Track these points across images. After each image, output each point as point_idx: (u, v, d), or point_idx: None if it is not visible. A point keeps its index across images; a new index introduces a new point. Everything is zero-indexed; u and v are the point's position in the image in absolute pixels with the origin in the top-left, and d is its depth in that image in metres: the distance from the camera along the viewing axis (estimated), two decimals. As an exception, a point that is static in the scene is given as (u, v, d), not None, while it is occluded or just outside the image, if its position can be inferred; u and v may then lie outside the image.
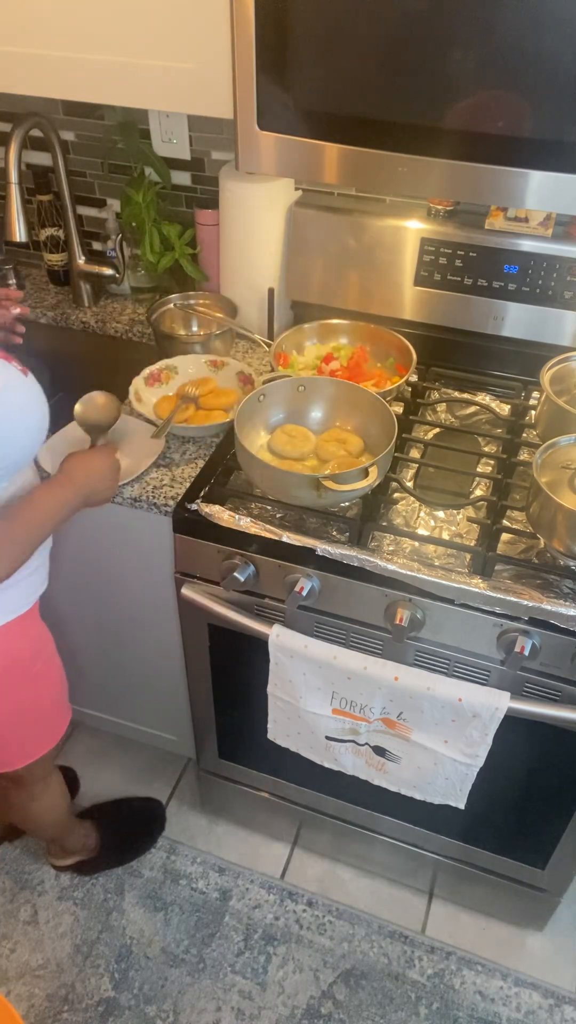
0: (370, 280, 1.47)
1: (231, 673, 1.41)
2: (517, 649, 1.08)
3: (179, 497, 1.23)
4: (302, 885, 1.73)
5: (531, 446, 1.31)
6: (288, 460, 1.23)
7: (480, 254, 1.37)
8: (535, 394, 1.43)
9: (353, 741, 1.31)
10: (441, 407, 1.43)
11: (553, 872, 1.47)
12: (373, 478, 1.10)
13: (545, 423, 1.28)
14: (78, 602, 1.51)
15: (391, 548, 1.16)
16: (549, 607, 1.06)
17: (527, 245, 1.34)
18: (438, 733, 1.21)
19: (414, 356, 1.39)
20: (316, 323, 1.48)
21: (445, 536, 1.18)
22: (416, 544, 1.16)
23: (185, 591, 1.28)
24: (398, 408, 1.39)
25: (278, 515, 1.20)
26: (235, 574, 1.18)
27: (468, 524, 1.20)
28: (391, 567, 1.11)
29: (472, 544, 1.15)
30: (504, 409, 1.42)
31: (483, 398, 1.45)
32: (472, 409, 1.42)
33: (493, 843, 1.49)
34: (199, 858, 1.76)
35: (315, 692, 1.25)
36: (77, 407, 1.26)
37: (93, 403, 1.26)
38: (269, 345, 1.46)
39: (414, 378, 1.44)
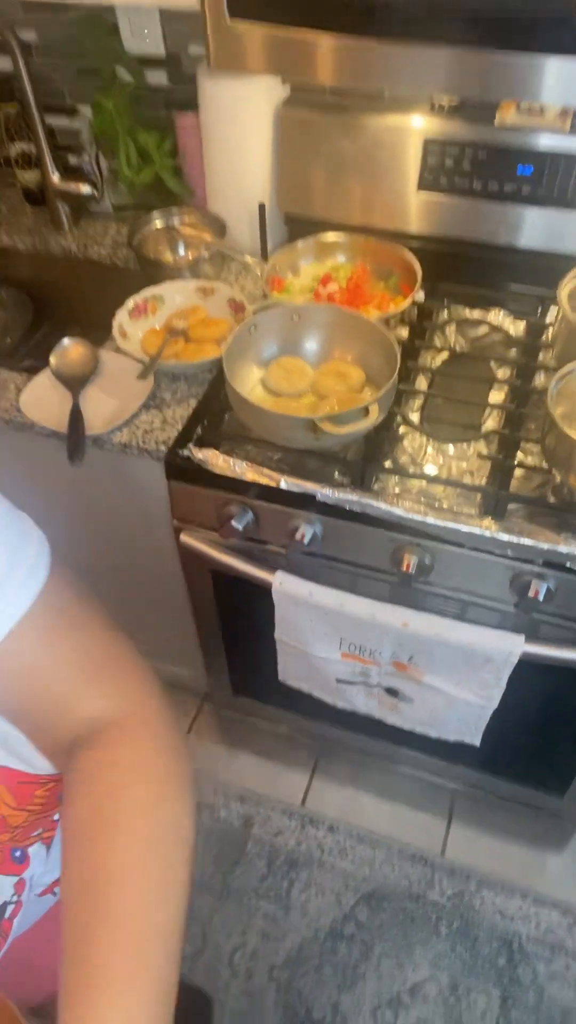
0: (370, 188, 1.33)
1: (238, 616, 1.38)
2: (531, 594, 1.02)
3: (171, 441, 1.16)
4: (322, 811, 1.75)
5: (548, 370, 1.20)
6: (284, 398, 1.15)
7: (490, 154, 1.23)
8: (553, 308, 1.31)
9: (364, 683, 1.28)
10: (450, 328, 1.32)
11: (573, 801, 1.46)
12: (374, 418, 1.01)
13: (562, 343, 1.18)
14: (78, 551, 1.47)
15: (396, 489, 1.08)
16: (564, 549, 0.99)
17: (543, 142, 1.19)
18: (450, 676, 1.17)
19: (419, 273, 1.27)
20: (311, 239, 1.35)
21: (454, 474, 1.10)
22: (424, 484, 1.08)
23: (184, 538, 1.22)
24: (403, 332, 1.29)
25: (275, 457, 1.13)
26: (233, 522, 1.12)
27: (480, 460, 1.11)
28: (396, 511, 1.04)
29: (483, 483, 1.08)
30: (519, 328, 1.31)
31: (496, 316, 1.33)
32: (483, 330, 1.31)
33: (511, 772, 1.48)
34: (220, 788, 1.79)
35: (323, 638, 1.21)
36: (52, 359, 1.18)
37: (67, 356, 1.17)
38: (263, 267, 1.34)
39: (420, 297, 1.33)
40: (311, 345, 1.20)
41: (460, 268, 1.36)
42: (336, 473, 1.10)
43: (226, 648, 1.48)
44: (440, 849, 1.69)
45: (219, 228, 1.43)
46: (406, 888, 1.63)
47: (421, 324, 1.30)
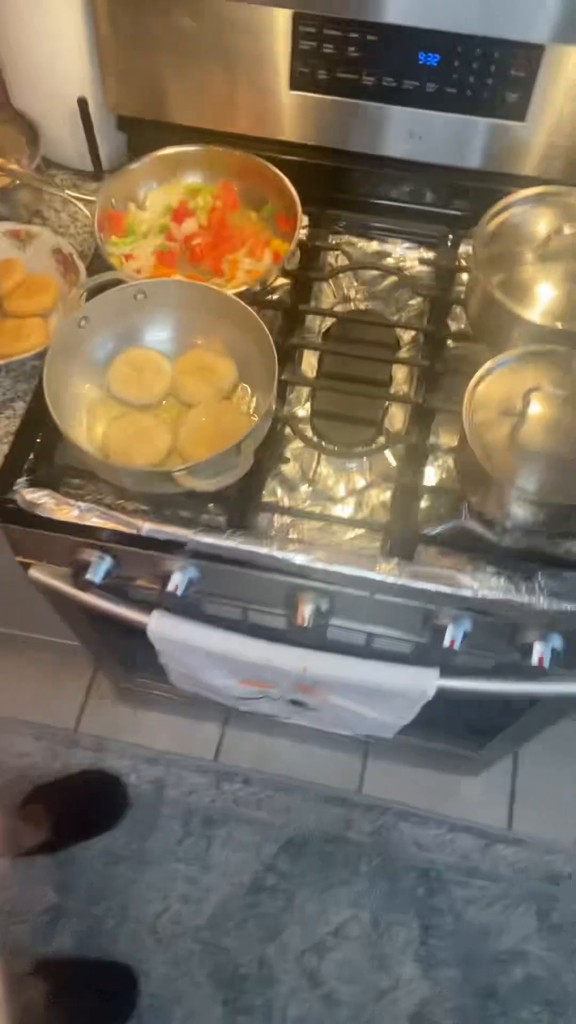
0: (225, 82, 0.99)
1: (120, 635, 1.20)
2: (447, 643, 0.88)
3: (-5, 473, 0.90)
4: (237, 763, 1.70)
5: (460, 339, 0.98)
6: (135, 412, 0.89)
7: (383, 38, 0.91)
8: (467, 245, 1.06)
9: (267, 698, 1.15)
10: (344, 278, 1.05)
11: (490, 752, 1.44)
12: (247, 463, 0.79)
13: (477, 307, 0.94)
14: None
15: (285, 524, 0.89)
16: (481, 592, 0.84)
17: (448, 24, 0.88)
18: (360, 703, 1.05)
19: (298, 204, 0.98)
20: (151, 157, 1.02)
21: (354, 501, 0.91)
22: (317, 522, 0.89)
23: (34, 574, 1.01)
24: (285, 282, 1.02)
25: (132, 494, 0.90)
26: (87, 575, 0.91)
27: (384, 481, 0.92)
28: (283, 556, 0.85)
29: (387, 516, 0.89)
30: (424, 269, 1.06)
31: (396, 250, 1.07)
32: (382, 275, 1.05)
33: (427, 735, 1.43)
34: (127, 751, 1.70)
35: (214, 671, 1.05)
36: None
37: None
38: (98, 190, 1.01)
39: (304, 233, 1.04)
40: (163, 332, 0.93)
41: (350, 187, 1.07)
42: (210, 509, 0.89)
43: (112, 651, 1.32)
44: (357, 786, 1.69)
45: (29, 134, 1.07)
46: (325, 831, 1.63)
47: (307, 276, 1.02)
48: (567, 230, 0.87)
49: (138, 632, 0.99)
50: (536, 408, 0.79)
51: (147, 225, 1.03)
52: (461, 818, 1.64)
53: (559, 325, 0.86)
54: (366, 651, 1.01)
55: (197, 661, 1.03)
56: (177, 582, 0.90)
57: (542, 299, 0.88)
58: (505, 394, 0.82)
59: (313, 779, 1.68)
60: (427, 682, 0.95)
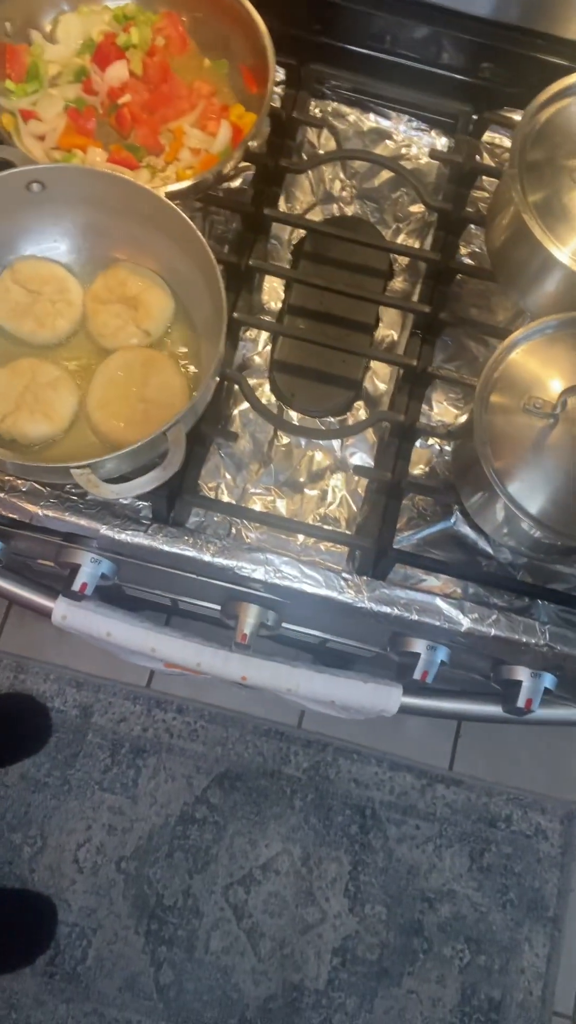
0: None
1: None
2: (418, 676, 0.71)
3: None
4: (171, 691, 1.57)
5: (475, 279, 0.73)
6: (27, 356, 0.65)
7: None
8: (493, 138, 0.79)
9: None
10: (329, 171, 0.78)
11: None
12: (177, 460, 0.56)
13: (503, 234, 0.70)
14: None
15: (225, 521, 0.68)
16: (477, 628, 0.67)
17: None
18: (309, 702, 0.89)
19: (270, 53, 0.69)
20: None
21: (317, 496, 0.70)
22: (267, 523, 0.68)
23: None
24: (246, 167, 0.75)
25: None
26: (-31, 564, 0.71)
27: (365, 443, 0.71)
28: (223, 563, 0.66)
29: (359, 517, 0.69)
30: (433, 171, 0.79)
31: (398, 131, 0.80)
32: (387, 176, 0.78)
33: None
34: (52, 673, 1.56)
35: (136, 656, 0.88)
36: None
37: None
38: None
39: (276, 94, 0.76)
40: (69, 239, 0.66)
41: (343, 31, 0.77)
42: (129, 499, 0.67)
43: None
44: (297, 720, 1.59)
45: None
46: (260, 765, 1.55)
47: (276, 160, 0.75)
48: None
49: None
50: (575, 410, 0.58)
51: (57, 67, 0.73)
52: (403, 756, 1.58)
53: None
54: (320, 651, 0.85)
55: (114, 648, 0.85)
56: (85, 579, 0.70)
57: (596, 239, 0.64)
58: (534, 378, 0.61)
59: (251, 711, 1.58)
60: (389, 701, 0.79)
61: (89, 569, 0.70)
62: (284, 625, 0.77)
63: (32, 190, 0.62)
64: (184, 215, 0.60)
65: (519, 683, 0.71)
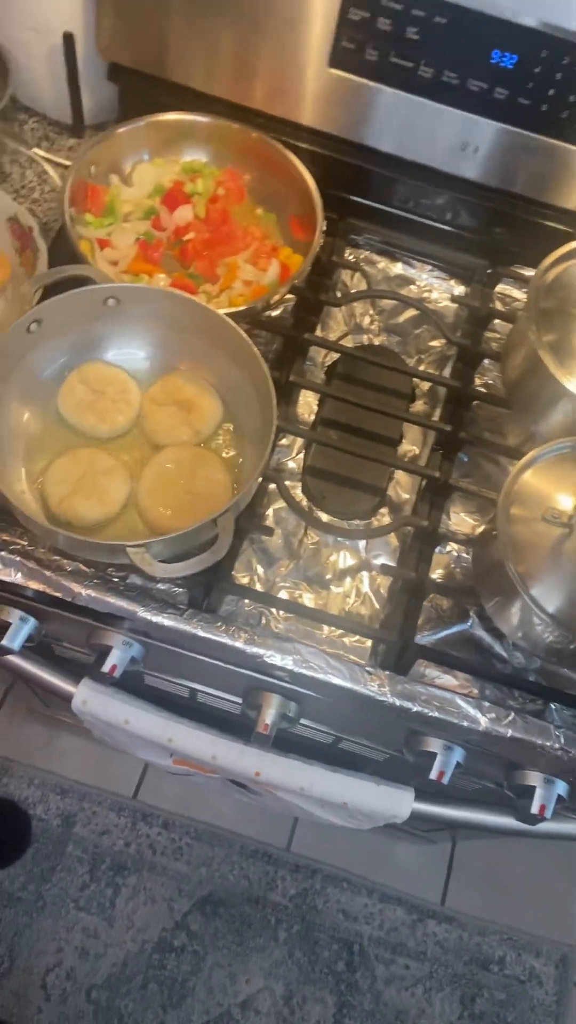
0: (249, 43, 0.80)
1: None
2: (434, 776, 0.73)
3: None
4: (158, 804, 1.53)
5: (490, 405, 0.82)
6: (87, 446, 0.71)
7: (453, 22, 0.73)
8: (504, 290, 0.90)
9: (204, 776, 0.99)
10: (360, 307, 0.88)
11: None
12: (224, 546, 0.61)
13: (519, 368, 0.78)
14: None
15: (256, 612, 0.72)
16: (494, 728, 0.69)
17: (533, 18, 0.71)
18: (315, 807, 0.89)
19: (319, 211, 0.80)
20: (145, 121, 0.82)
21: (344, 591, 0.75)
22: (297, 615, 0.72)
23: None
24: (290, 298, 0.84)
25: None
26: (3, 641, 0.73)
27: (388, 547, 0.76)
28: (252, 651, 0.69)
29: (382, 611, 0.73)
30: (451, 313, 0.89)
31: (423, 281, 0.90)
32: (410, 313, 0.88)
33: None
34: (37, 779, 1.52)
35: (148, 750, 0.89)
36: None
37: None
38: (74, 150, 0.82)
39: (319, 242, 0.86)
40: (135, 349, 0.74)
41: (377, 194, 0.90)
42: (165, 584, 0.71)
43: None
44: (287, 842, 1.55)
45: None
46: (246, 889, 1.49)
47: (316, 295, 0.85)
48: None
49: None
50: (591, 521, 0.64)
51: (131, 206, 0.83)
52: (393, 888, 1.52)
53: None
54: (332, 753, 0.86)
55: (129, 739, 0.86)
56: (115, 661, 0.73)
57: (602, 375, 0.73)
58: (551, 491, 0.67)
59: (240, 830, 1.53)
60: (400, 805, 0.80)
61: (120, 652, 0.73)
62: (301, 721, 0.78)
63: (108, 304, 0.70)
64: (244, 334, 0.68)
65: (533, 788, 0.72)
